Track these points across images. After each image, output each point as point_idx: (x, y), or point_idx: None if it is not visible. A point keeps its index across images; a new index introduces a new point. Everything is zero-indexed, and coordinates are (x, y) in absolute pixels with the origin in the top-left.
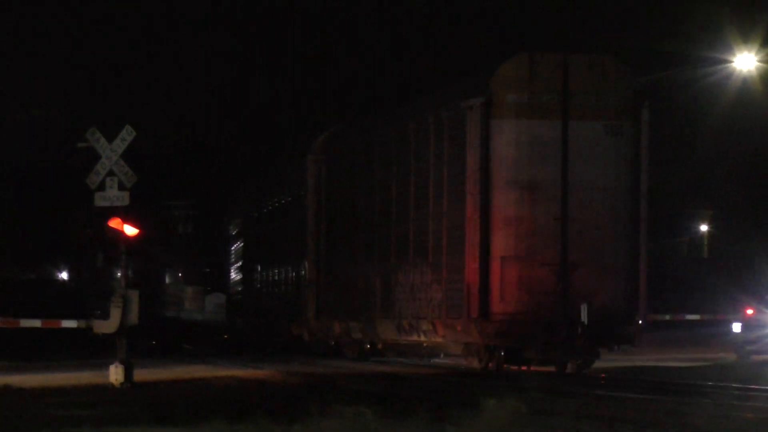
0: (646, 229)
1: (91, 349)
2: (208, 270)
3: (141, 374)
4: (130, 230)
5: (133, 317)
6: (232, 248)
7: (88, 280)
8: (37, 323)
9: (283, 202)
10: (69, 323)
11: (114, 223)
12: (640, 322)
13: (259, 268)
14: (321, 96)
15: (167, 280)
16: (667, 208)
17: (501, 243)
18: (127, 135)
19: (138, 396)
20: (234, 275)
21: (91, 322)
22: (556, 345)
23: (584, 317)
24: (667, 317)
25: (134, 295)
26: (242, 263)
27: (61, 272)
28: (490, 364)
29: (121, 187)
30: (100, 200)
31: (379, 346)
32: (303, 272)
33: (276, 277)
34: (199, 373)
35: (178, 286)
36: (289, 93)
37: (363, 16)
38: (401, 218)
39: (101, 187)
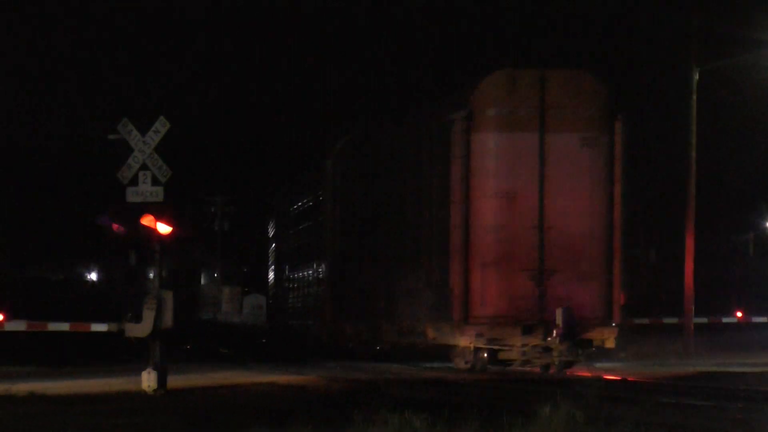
0: (621, 236)
1: (123, 354)
2: (246, 270)
3: (175, 380)
4: (164, 228)
5: (167, 320)
6: (272, 247)
7: (119, 280)
8: (65, 327)
9: (309, 204)
10: (99, 327)
11: (147, 220)
12: (614, 325)
13: (288, 269)
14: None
15: (203, 281)
16: (727, 203)
17: (482, 250)
18: (161, 127)
19: (172, 403)
20: (273, 276)
21: (122, 325)
22: (534, 347)
23: (559, 321)
24: (646, 321)
25: (168, 297)
26: (279, 264)
27: (91, 272)
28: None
29: (155, 182)
30: (133, 196)
31: (383, 346)
32: (322, 275)
33: (304, 279)
34: (236, 379)
35: (215, 286)
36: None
37: (360, 21)
38: (401, 225)
39: (134, 181)
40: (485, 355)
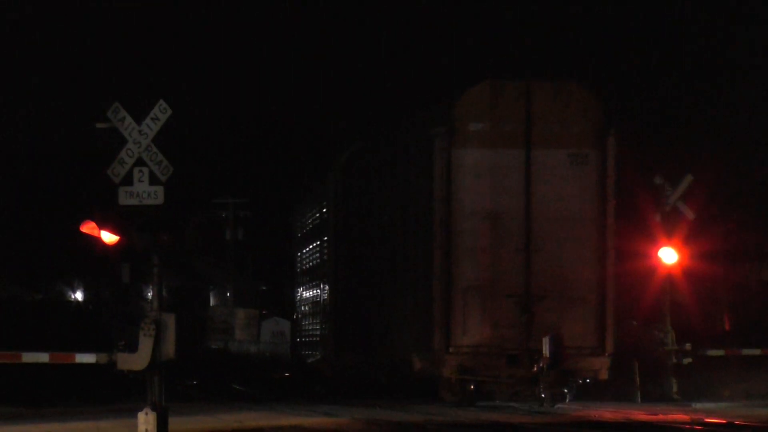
0: (614, 258)
1: (115, 391)
2: (264, 288)
3: (178, 423)
4: (164, 236)
5: (169, 349)
6: (297, 261)
7: (110, 300)
8: (44, 357)
9: (317, 221)
10: (85, 357)
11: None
12: (607, 355)
13: (303, 291)
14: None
15: (212, 301)
16: None
17: (464, 274)
18: (160, 113)
19: None
20: (298, 296)
21: (114, 355)
22: (520, 379)
23: (546, 350)
24: (758, 352)
25: (170, 321)
26: (299, 282)
27: (75, 291)
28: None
29: (154, 180)
30: (126, 197)
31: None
32: (324, 301)
33: (316, 304)
34: (252, 421)
35: (227, 308)
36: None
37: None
38: (391, 247)
39: (127, 180)
40: (471, 387)
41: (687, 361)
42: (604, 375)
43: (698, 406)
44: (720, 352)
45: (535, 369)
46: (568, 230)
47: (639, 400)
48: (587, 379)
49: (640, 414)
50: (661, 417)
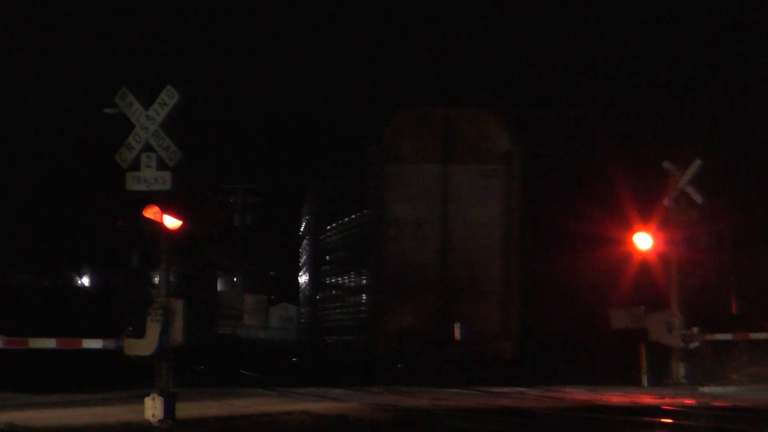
0: (518, 258)
1: (122, 377)
2: (273, 274)
3: (186, 409)
4: (172, 222)
5: (177, 335)
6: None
7: (118, 287)
8: (51, 343)
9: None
10: (92, 343)
11: (151, 212)
12: (511, 338)
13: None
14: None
15: (220, 287)
16: None
17: (393, 270)
18: (168, 98)
19: None
20: (305, 281)
21: (121, 341)
22: (439, 360)
23: (457, 335)
24: (766, 335)
25: (178, 306)
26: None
27: (82, 278)
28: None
29: (162, 166)
30: (134, 183)
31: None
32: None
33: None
34: (261, 407)
35: (235, 294)
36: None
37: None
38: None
39: (135, 165)
40: (400, 366)
41: (694, 345)
42: (509, 355)
43: (705, 390)
44: (727, 336)
45: (450, 351)
46: (479, 234)
47: (646, 384)
48: (495, 360)
49: (647, 398)
50: (668, 401)
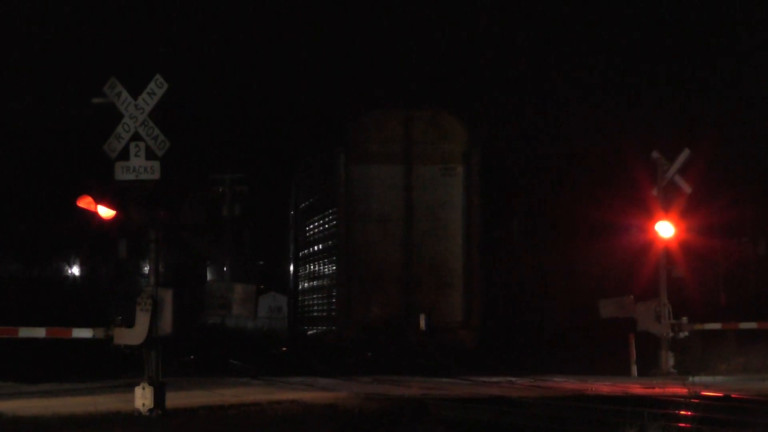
0: (478, 253)
1: (112, 366)
2: (262, 263)
3: (175, 398)
4: (161, 212)
5: (166, 324)
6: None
7: (107, 277)
8: (40, 332)
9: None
10: (82, 332)
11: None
12: (473, 328)
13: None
14: None
15: (209, 277)
16: None
17: (360, 265)
18: (156, 88)
19: (170, 427)
20: (295, 270)
21: (111, 330)
22: (404, 348)
23: (423, 325)
24: (754, 325)
25: (167, 296)
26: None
27: (72, 267)
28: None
29: (150, 155)
30: (123, 172)
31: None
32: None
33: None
34: (250, 396)
35: (224, 284)
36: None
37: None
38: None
39: (124, 155)
40: (369, 354)
41: (683, 335)
42: (471, 344)
43: (695, 380)
44: (717, 326)
45: (414, 340)
46: (440, 229)
47: (635, 374)
48: (457, 348)
49: (636, 388)
50: (658, 390)
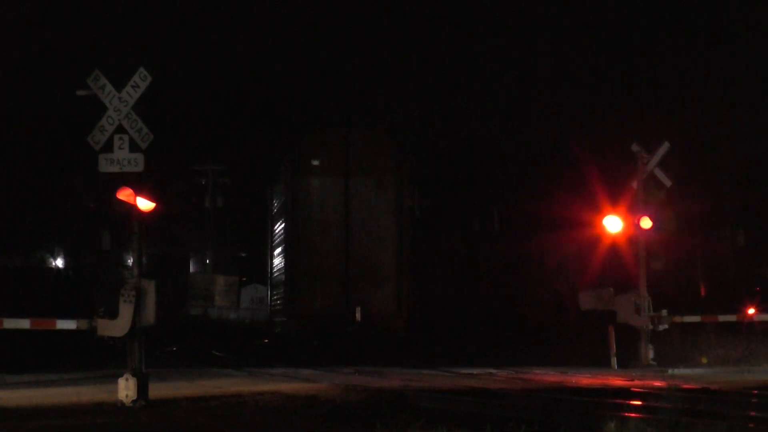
0: (408, 252)
1: (95, 357)
2: (244, 255)
3: (158, 389)
4: (145, 204)
5: (149, 315)
6: (276, 228)
7: (90, 268)
8: (25, 324)
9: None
10: (66, 324)
11: (124, 194)
12: (404, 318)
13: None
14: None
15: (192, 268)
16: None
17: (307, 264)
18: (140, 81)
19: (154, 418)
20: (277, 262)
21: (94, 322)
22: (343, 337)
23: (358, 316)
24: (733, 317)
25: (150, 287)
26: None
27: (55, 258)
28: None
29: (134, 147)
30: (107, 164)
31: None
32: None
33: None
34: (232, 387)
35: (206, 275)
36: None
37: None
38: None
39: (108, 147)
40: (316, 343)
41: (663, 327)
42: (402, 332)
43: (675, 372)
44: (696, 318)
45: (351, 330)
46: (374, 233)
47: (615, 366)
48: (390, 337)
49: (616, 380)
50: (637, 383)
